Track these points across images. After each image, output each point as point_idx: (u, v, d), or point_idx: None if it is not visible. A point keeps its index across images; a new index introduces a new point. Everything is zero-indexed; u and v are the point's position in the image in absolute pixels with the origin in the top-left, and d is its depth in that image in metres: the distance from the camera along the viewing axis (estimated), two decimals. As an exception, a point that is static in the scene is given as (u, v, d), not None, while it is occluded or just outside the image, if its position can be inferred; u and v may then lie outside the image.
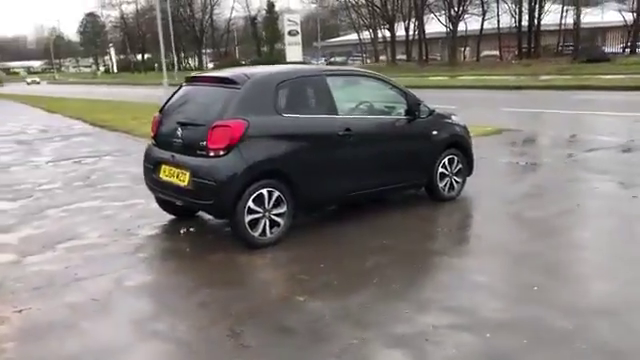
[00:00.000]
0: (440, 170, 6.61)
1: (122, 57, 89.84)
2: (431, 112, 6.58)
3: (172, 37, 52.56)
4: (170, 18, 56.33)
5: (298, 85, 5.64)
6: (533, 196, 7.08)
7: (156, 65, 60.72)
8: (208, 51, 79.54)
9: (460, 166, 6.82)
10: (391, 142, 6.18)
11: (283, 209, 5.32)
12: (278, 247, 5.29)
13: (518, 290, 4.23)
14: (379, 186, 6.19)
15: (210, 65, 72.42)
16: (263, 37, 71.31)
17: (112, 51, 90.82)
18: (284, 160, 5.30)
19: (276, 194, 5.25)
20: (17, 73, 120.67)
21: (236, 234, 5.21)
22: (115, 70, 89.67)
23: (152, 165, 5.81)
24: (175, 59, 59.55)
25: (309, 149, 5.50)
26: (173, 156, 5.48)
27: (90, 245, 5.56)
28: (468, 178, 6.96)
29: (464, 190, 6.90)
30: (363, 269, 4.73)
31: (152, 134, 6.01)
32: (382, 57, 56.96)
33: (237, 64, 62.87)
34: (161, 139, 5.81)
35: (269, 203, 5.22)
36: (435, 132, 6.52)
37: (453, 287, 4.33)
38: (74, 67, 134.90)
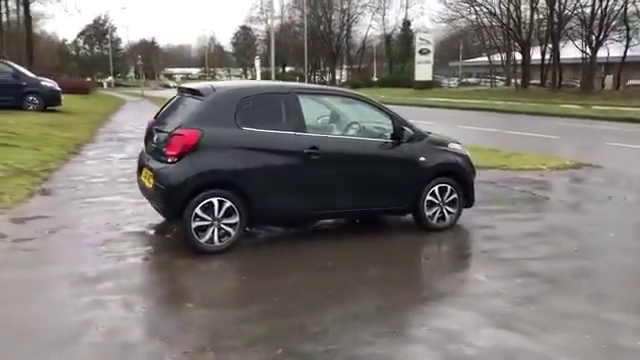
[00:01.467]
0: (428, 198, 6.38)
1: (265, 69, 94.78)
2: (421, 137, 6.39)
3: (305, 51, 54.62)
4: (305, 33, 58.64)
5: (264, 101, 5.81)
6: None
7: (297, 78, 63.15)
8: (345, 67, 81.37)
9: (454, 196, 6.52)
10: (365, 164, 6.10)
11: (235, 220, 5.49)
12: (229, 255, 5.47)
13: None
14: (350, 208, 6.14)
15: (343, 80, 74.21)
16: (396, 55, 71.65)
17: (257, 63, 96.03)
18: (238, 172, 5.47)
19: (227, 204, 5.44)
20: (174, 79, 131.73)
21: (184, 238, 5.46)
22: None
23: (138, 167, 6.27)
24: (306, 73, 61.83)
25: (269, 164, 5.62)
26: (148, 159, 5.90)
27: (71, 234, 6.12)
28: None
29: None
30: (278, 287, 4.76)
31: (144, 138, 6.48)
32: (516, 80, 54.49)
33: (368, 81, 63.67)
34: (146, 144, 6.26)
35: (219, 212, 5.41)
36: (423, 158, 6.31)
37: (336, 319, 4.19)
38: (226, 76, 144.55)
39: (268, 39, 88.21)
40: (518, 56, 48.00)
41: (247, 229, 5.85)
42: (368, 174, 6.11)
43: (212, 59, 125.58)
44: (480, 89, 55.38)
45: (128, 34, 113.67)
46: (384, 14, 72.53)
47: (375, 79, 65.68)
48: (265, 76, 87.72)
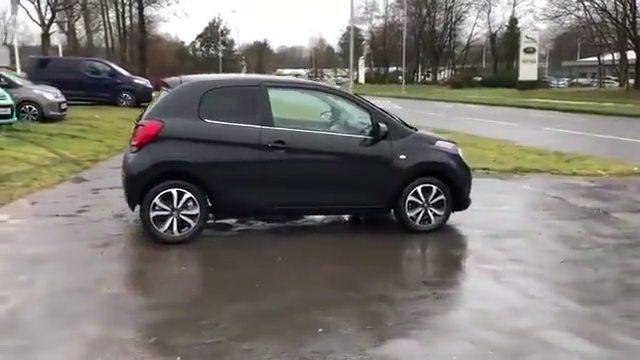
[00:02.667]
0: (410, 198, 6.08)
1: (368, 69, 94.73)
2: (405, 134, 6.11)
3: (404, 51, 53.94)
4: (405, 32, 57.88)
5: (231, 94, 5.83)
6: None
7: (400, 78, 62.44)
8: (450, 66, 79.36)
9: (441, 197, 6.17)
10: (336, 160, 5.93)
11: (195, 211, 5.56)
12: (192, 246, 5.56)
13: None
14: (320, 204, 5.99)
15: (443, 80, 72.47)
16: (502, 54, 68.75)
17: (361, 63, 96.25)
18: (198, 164, 5.53)
19: (187, 195, 5.51)
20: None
21: (143, 226, 5.60)
22: (362, 81, 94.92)
23: None
24: (403, 72, 61.05)
25: (231, 157, 5.64)
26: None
27: (77, 219, 6.48)
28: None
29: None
30: (209, 278, 4.79)
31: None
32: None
33: (470, 80, 61.62)
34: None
35: (178, 203, 5.50)
36: (403, 156, 6.02)
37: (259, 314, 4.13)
38: (335, 76, 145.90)
39: (370, 39, 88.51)
40: (632, 55, 44.13)
41: (214, 220, 5.90)
42: (338, 170, 5.94)
43: (321, 59, 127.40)
44: (590, 90, 51.67)
45: (239, 36, 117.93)
46: (490, 12, 69.92)
47: (478, 79, 63.34)
48: (368, 76, 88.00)
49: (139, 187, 5.46)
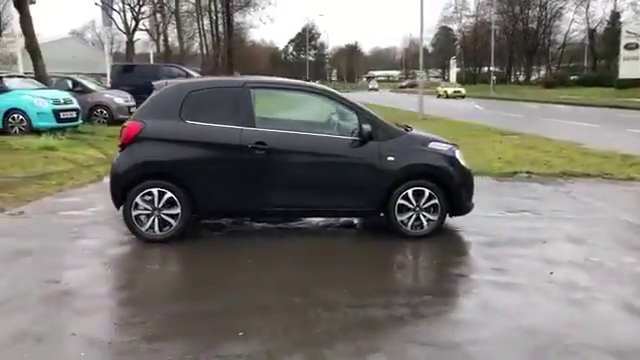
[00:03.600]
0: (400, 202, 5.83)
1: (460, 69, 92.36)
2: (394, 134, 5.88)
3: (492, 50, 52.09)
4: (494, 31, 55.78)
5: (213, 95, 5.85)
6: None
7: (494, 78, 60.30)
8: (546, 65, 75.62)
9: (434, 201, 5.87)
10: (319, 162, 5.80)
11: (176, 211, 5.64)
12: (171, 245, 5.63)
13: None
14: (304, 206, 5.88)
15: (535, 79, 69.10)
16: (601, 51, 64.45)
17: (452, 63, 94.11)
18: (178, 164, 5.61)
19: (168, 195, 5.60)
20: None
21: (126, 225, 5.73)
22: (453, 81, 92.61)
23: None
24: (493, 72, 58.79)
25: (211, 158, 5.67)
26: None
27: (73, 215, 6.81)
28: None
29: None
30: (168, 277, 4.84)
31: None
32: None
33: (564, 79, 58.51)
34: None
35: (159, 202, 5.60)
36: (391, 158, 5.79)
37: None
38: (428, 77, 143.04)
39: (460, 38, 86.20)
40: None
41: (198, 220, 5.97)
42: (322, 172, 5.80)
43: (413, 61, 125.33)
44: None
45: (328, 39, 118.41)
46: (588, 6, 65.74)
47: (575, 78, 59.86)
48: (459, 76, 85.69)
49: (122, 186, 5.62)
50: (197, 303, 4.26)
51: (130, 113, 17.59)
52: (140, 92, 20.81)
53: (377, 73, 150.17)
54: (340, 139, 5.84)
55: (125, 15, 30.70)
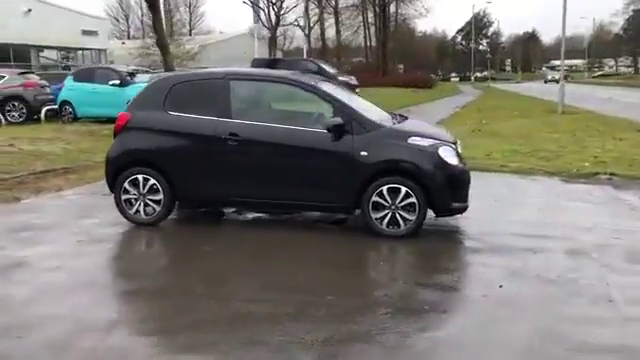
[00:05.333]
0: (374, 199, 5.57)
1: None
2: (372, 128, 5.62)
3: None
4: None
5: (195, 87, 6.07)
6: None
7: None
8: None
9: (412, 200, 5.51)
10: (291, 154, 5.73)
11: (159, 197, 5.98)
12: (150, 229, 6.00)
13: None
14: (278, 198, 5.86)
15: None
16: None
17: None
18: (159, 153, 5.94)
19: (151, 182, 5.96)
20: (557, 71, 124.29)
21: (116, 207, 6.16)
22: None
23: None
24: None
25: (188, 147, 5.91)
26: None
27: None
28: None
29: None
30: (118, 261, 5.20)
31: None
32: None
33: None
34: None
35: (144, 188, 5.99)
36: (365, 153, 5.54)
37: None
38: (617, 67, 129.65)
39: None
40: None
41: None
42: (295, 165, 5.73)
43: (603, 48, 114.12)
44: None
45: (499, 27, 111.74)
46: None
47: None
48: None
49: (113, 172, 6.08)
50: (131, 284, 4.52)
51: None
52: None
53: (557, 62, 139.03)
54: (313, 132, 5.71)
55: (269, 12, 32.36)
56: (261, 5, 31.46)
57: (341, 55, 53.15)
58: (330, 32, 53.10)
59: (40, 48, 40.08)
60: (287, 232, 6.00)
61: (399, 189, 5.51)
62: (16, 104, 16.53)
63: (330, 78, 24.18)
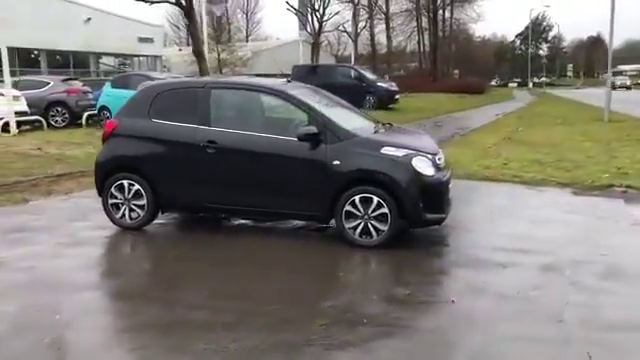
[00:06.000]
0: (347, 208, 5.54)
1: None
2: (346, 137, 5.59)
3: None
4: None
5: (178, 95, 6.21)
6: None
7: None
8: None
9: (384, 210, 5.45)
10: (266, 162, 5.76)
11: (142, 202, 6.14)
12: (131, 233, 6.17)
13: None
14: (254, 206, 5.91)
15: None
16: None
17: None
18: (142, 159, 6.10)
19: (135, 187, 6.13)
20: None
21: (104, 211, 6.37)
22: None
23: None
24: None
25: (169, 154, 6.04)
26: None
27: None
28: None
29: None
30: (86, 259, 5.37)
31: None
32: None
33: None
34: None
35: (129, 193, 6.16)
36: (337, 162, 5.52)
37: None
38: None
39: None
40: None
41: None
42: (270, 173, 5.76)
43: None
44: None
45: (559, 31, 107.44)
46: None
47: None
48: None
49: (100, 177, 6.29)
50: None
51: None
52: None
53: (627, 67, 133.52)
54: (287, 140, 5.72)
55: (312, 18, 32.54)
56: (305, 12, 31.61)
57: (392, 60, 52.81)
58: (381, 37, 52.88)
59: (99, 55, 41.77)
60: (262, 239, 6.06)
61: (371, 199, 5.47)
62: (59, 109, 17.32)
63: (369, 84, 24.28)
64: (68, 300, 4.39)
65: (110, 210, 6.26)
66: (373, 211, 5.47)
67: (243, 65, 48.67)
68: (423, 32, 60.98)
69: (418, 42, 62.90)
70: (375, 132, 6.01)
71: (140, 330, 3.88)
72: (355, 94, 24.31)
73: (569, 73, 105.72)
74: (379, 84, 24.98)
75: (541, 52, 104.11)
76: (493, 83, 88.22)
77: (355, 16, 42.02)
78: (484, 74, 78.44)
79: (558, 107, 29.20)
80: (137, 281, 4.93)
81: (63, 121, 17.35)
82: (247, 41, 70.16)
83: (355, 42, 43.15)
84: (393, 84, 25.92)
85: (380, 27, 50.20)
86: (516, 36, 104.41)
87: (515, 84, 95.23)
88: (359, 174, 5.52)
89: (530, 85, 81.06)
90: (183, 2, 17.48)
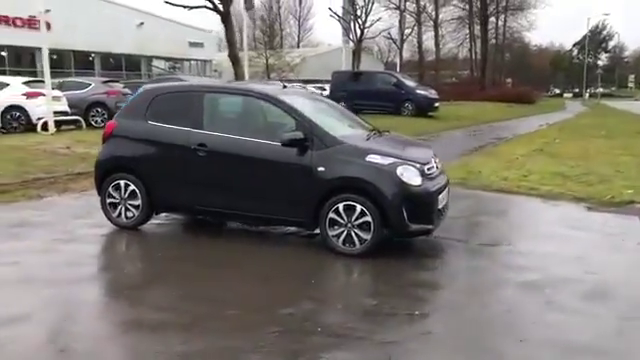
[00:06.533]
0: (331, 215, 5.50)
1: None
2: (332, 144, 5.55)
3: None
4: None
5: (174, 98, 6.30)
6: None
7: None
8: None
9: (367, 219, 5.38)
10: (253, 167, 5.78)
11: (137, 202, 6.27)
12: (136, 232, 6.32)
13: None
14: (242, 210, 5.92)
15: None
16: None
17: None
18: (135, 160, 6.22)
19: (131, 187, 6.26)
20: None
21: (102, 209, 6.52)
22: None
23: None
24: None
25: (162, 156, 6.14)
26: None
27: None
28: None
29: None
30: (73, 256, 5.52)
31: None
32: None
33: None
34: None
35: (125, 193, 6.30)
36: (322, 168, 5.49)
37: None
38: None
39: None
40: None
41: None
42: (256, 177, 5.77)
43: None
44: None
45: (620, 41, 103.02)
46: None
47: None
48: None
49: (99, 176, 6.45)
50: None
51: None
52: (358, 97, 22.41)
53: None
54: (273, 145, 5.71)
55: (354, 25, 32.43)
56: (347, 18, 31.63)
57: (440, 68, 52.16)
58: (429, 44, 52.29)
59: (150, 58, 43.02)
60: (253, 243, 6.05)
61: (354, 207, 5.40)
62: (99, 110, 17.87)
63: (408, 91, 24.05)
64: (31, 296, 4.49)
65: (107, 209, 6.41)
66: (356, 219, 5.40)
67: (290, 70, 49.14)
68: (475, 40, 59.99)
69: (470, 50, 61.93)
70: (367, 139, 5.93)
71: (96, 329, 3.94)
72: (393, 101, 24.27)
73: (630, 84, 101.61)
74: (418, 91, 24.70)
75: (600, 62, 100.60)
76: (548, 93, 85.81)
77: (401, 23, 41.78)
78: (539, 83, 76.43)
79: (608, 119, 28.10)
80: (115, 279, 5.02)
81: (102, 121, 17.85)
82: (298, 47, 70.84)
83: (400, 49, 42.88)
84: (432, 91, 25.56)
85: (429, 34, 49.66)
86: (574, 45, 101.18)
87: (570, 94, 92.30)
88: (343, 181, 5.47)
89: (586, 96, 78.48)
90: (221, 8, 17.78)
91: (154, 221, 6.56)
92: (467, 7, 56.22)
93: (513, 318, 4.19)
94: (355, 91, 24.39)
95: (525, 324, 4.06)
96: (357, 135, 6.05)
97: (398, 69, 39.07)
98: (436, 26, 49.41)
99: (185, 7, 18.43)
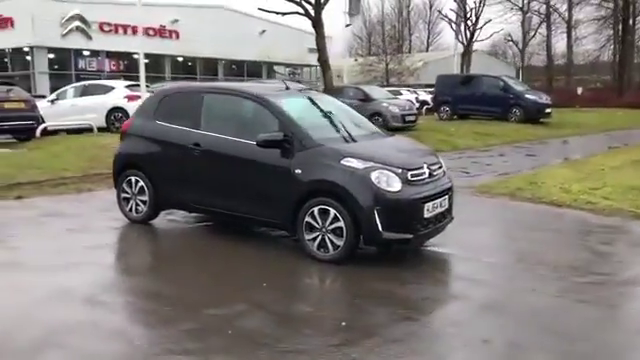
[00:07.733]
0: (307, 219, 5.37)
1: None
2: (310, 146, 5.42)
3: None
4: None
5: (178, 99, 6.50)
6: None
7: None
8: None
9: (340, 224, 5.18)
10: (237, 167, 5.80)
11: (145, 198, 6.56)
12: (145, 227, 6.62)
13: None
14: (230, 209, 5.95)
15: None
16: None
17: None
18: (143, 157, 6.51)
19: (140, 183, 6.57)
20: None
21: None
22: None
23: None
24: None
25: (164, 154, 6.36)
26: None
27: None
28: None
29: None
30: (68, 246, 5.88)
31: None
32: None
33: None
34: None
35: (135, 189, 6.61)
36: (299, 171, 5.38)
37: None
38: None
39: None
40: None
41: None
42: (241, 177, 5.78)
43: None
44: None
45: None
46: None
47: None
48: None
49: (115, 172, 6.82)
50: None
51: (405, 122, 18.45)
52: (464, 102, 21.81)
53: None
54: (253, 145, 5.65)
55: (464, 27, 31.06)
56: (457, 20, 30.48)
57: (572, 73, 48.62)
58: (559, 47, 48.94)
59: (270, 64, 44.66)
60: (234, 242, 6.06)
61: (329, 211, 5.22)
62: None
63: (516, 95, 22.77)
64: (19, 280, 4.83)
65: (122, 203, 6.76)
66: (330, 224, 5.21)
67: (410, 75, 48.45)
68: (619, 42, 55.15)
69: (613, 53, 57.05)
70: (355, 142, 5.71)
71: (56, 326, 4.08)
72: (500, 105, 23.00)
73: None
74: (527, 96, 23.14)
75: None
76: None
77: (524, 24, 39.48)
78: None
79: None
80: (98, 272, 5.13)
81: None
82: (427, 51, 69.64)
83: (522, 52, 40.51)
84: (543, 96, 23.80)
85: (560, 36, 46.42)
86: None
87: None
88: (318, 185, 5.30)
89: None
90: (312, 14, 17.98)
91: (175, 218, 6.85)
92: (611, 6, 51.83)
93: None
94: (460, 95, 23.54)
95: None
96: (345, 138, 5.80)
97: (520, 74, 36.96)
98: (569, 27, 46.09)
99: (278, 13, 18.89)
